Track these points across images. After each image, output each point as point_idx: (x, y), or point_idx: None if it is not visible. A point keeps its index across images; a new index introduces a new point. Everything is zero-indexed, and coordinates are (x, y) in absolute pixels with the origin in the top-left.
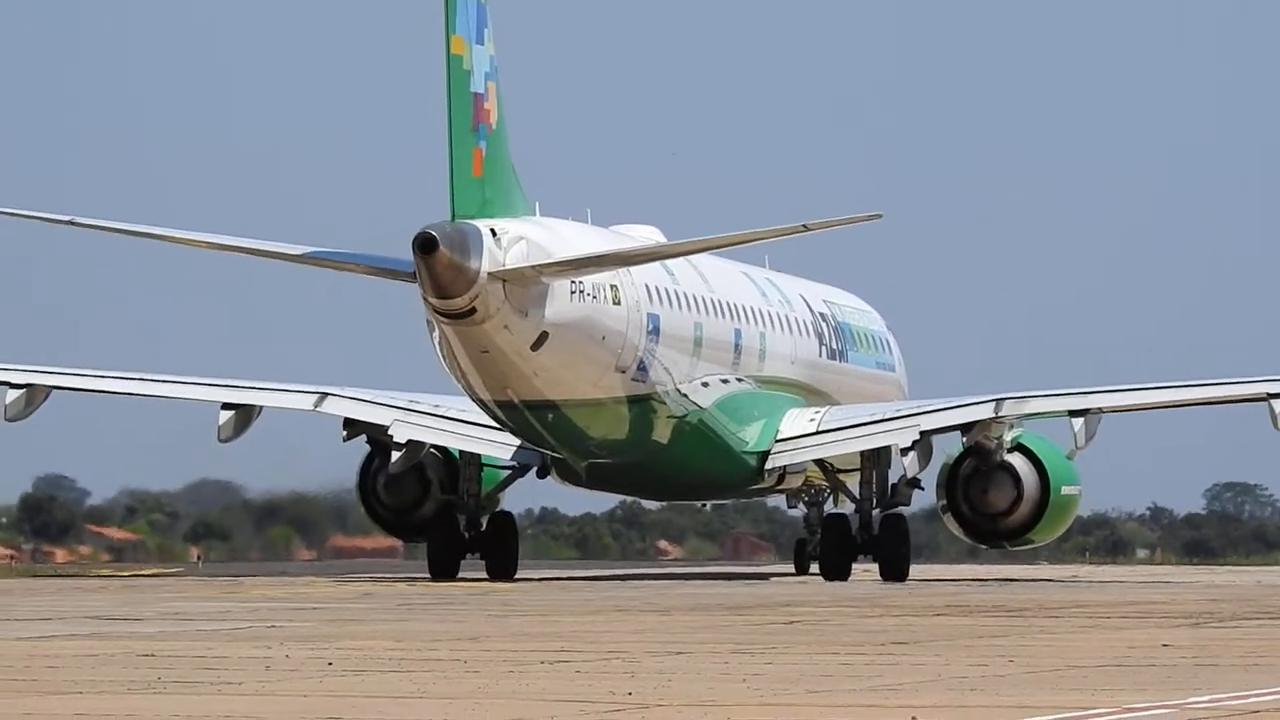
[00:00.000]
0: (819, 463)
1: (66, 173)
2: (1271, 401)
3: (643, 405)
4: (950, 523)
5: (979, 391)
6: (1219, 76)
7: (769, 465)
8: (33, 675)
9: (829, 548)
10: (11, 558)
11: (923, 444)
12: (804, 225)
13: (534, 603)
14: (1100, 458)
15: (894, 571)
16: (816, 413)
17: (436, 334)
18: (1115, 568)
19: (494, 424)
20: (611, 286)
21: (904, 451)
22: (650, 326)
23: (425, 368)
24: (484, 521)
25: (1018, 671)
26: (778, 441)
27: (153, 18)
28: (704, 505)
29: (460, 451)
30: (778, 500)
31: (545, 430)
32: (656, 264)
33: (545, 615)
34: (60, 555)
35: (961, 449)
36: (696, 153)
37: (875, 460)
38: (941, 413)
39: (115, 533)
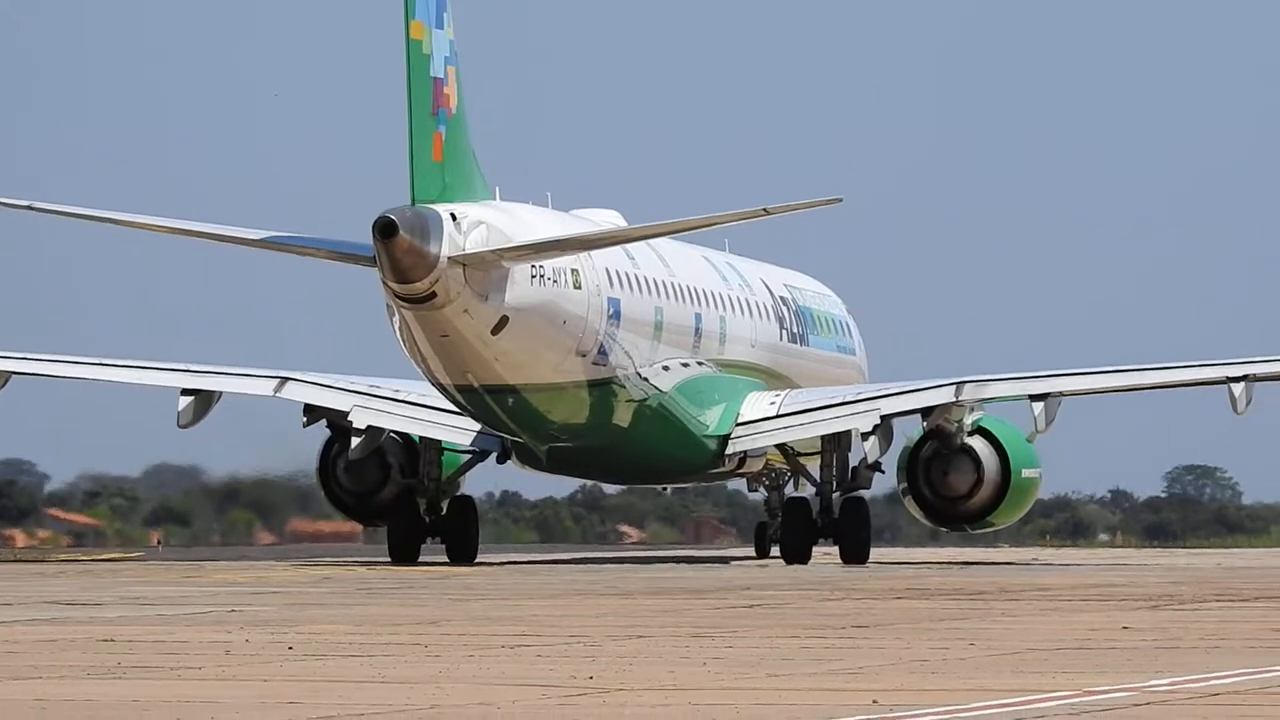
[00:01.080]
0: (780, 446)
1: (24, 158)
2: (1231, 385)
3: (603, 389)
4: (911, 506)
5: (939, 375)
6: (1176, 60)
7: (730, 449)
8: None
9: (790, 531)
10: None
11: (883, 428)
12: (764, 209)
13: (495, 587)
14: (1061, 441)
15: (855, 555)
16: (777, 396)
17: (396, 319)
18: (1076, 551)
19: (454, 408)
20: (572, 271)
21: (865, 435)
22: (611, 311)
23: (386, 352)
24: (444, 505)
25: (978, 654)
26: (738, 425)
27: (109, 2)
28: (665, 489)
29: (420, 436)
30: (739, 484)
31: (505, 415)
32: (617, 248)
33: (506, 599)
34: (20, 540)
35: (922, 432)
36: (657, 137)
37: (836, 444)
38: (902, 396)
39: (75, 517)
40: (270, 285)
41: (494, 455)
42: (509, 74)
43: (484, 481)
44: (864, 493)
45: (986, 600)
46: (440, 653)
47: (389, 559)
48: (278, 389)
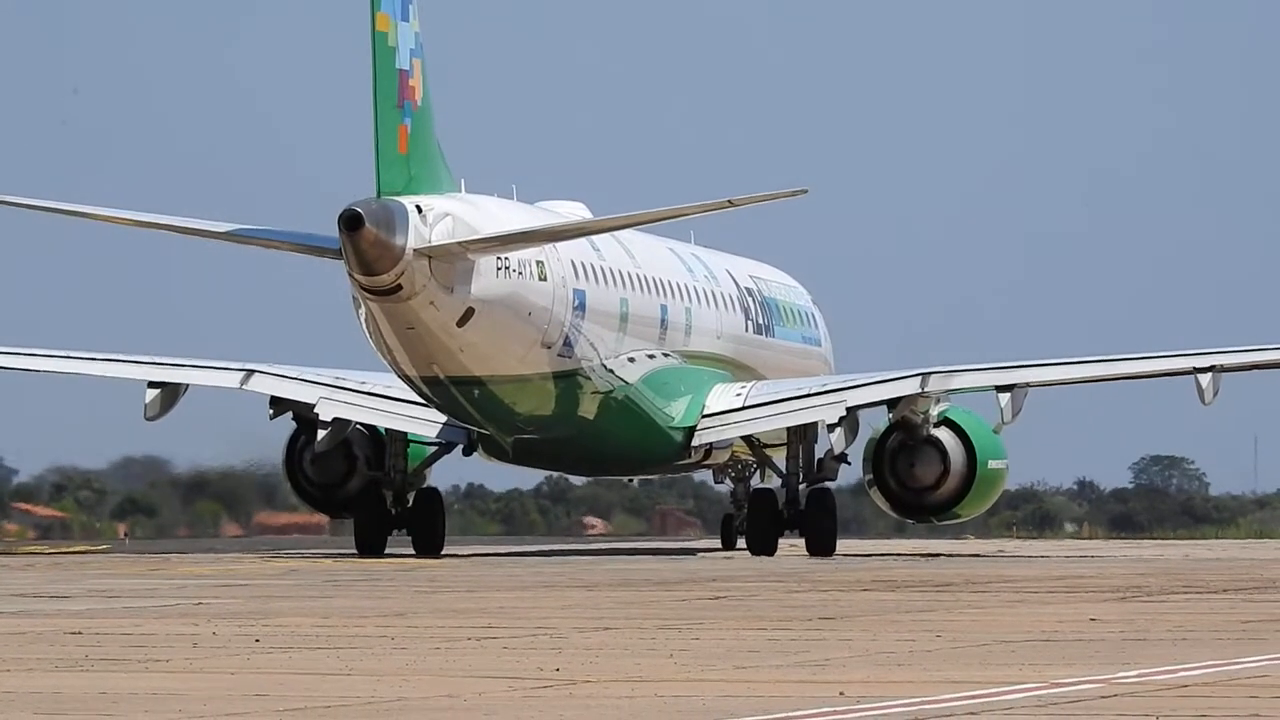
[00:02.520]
0: (745, 438)
1: None
2: (1198, 376)
3: (569, 381)
4: (877, 497)
5: (905, 366)
6: (1140, 47)
7: (695, 441)
8: None
9: (755, 523)
10: None
11: (849, 419)
12: (729, 200)
13: (461, 579)
14: (1027, 432)
15: (820, 546)
16: (743, 388)
17: (363, 311)
18: (1042, 542)
19: (421, 400)
20: (537, 263)
21: (831, 427)
22: (576, 302)
23: (352, 344)
24: (410, 498)
25: (945, 646)
26: (704, 417)
27: None
28: (630, 481)
29: (386, 428)
30: (704, 475)
31: (472, 406)
32: (582, 240)
33: (472, 591)
34: None
35: (888, 423)
36: (622, 129)
37: (802, 435)
38: (868, 388)
39: (42, 510)
40: (236, 278)
41: (460, 447)
42: (474, 66)
43: (450, 474)
44: (830, 484)
45: (953, 592)
46: (407, 645)
47: (355, 551)
48: (244, 381)
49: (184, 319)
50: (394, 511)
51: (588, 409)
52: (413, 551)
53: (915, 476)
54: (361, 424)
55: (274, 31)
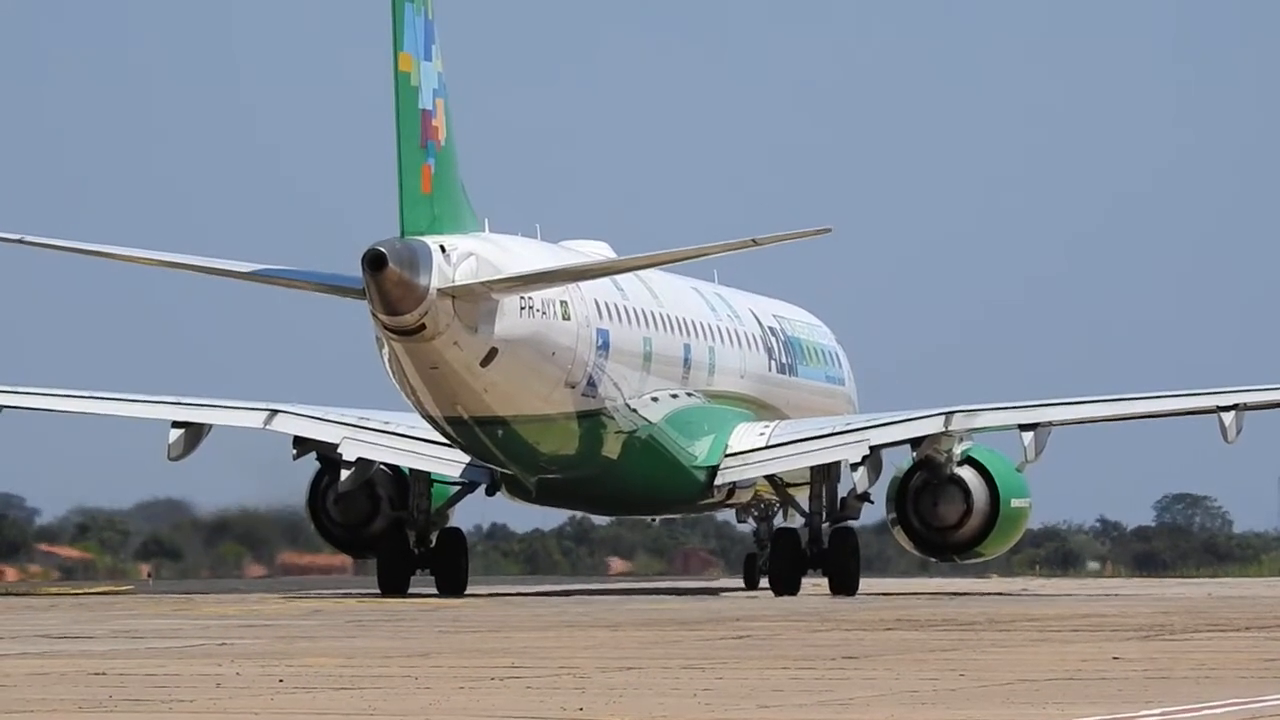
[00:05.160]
0: (769, 477)
1: (12, 191)
2: (1221, 414)
3: (592, 421)
4: (900, 536)
5: (928, 405)
6: (1184, 76)
7: (719, 480)
8: None
9: (778, 562)
10: None
11: (872, 458)
12: (753, 240)
13: (484, 618)
14: (1049, 470)
15: (844, 585)
16: (766, 427)
17: (386, 350)
18: (1065, 581)
19: (444, 440)
20: (561, 302)
21: (854, 466)
22: (600, 342)
23: (376, 384)
24: (434, 538)
25: (969, 685)
26: (727, 456)
27: (105, 33)
28: (653, 520)
29: (410, 468)
30: (727, 515)
31: (495, 446)
32: (606, 279)
33: (496, 631)
34: (10, 574)
35: (911, 462)
36: (645, 168)
37: (825, 474)
38: (891, 426)
39: (66, 551)
40: (259, 318)
41: (483, 487)
42: (498, 106)
43: (473, 514)
44: (853, 523)
45: (976, 631)
46: (430, 685)
47: (378, 591)
48: (267, 421)
49: (207, 359)
50: (417, 551)
51: (611, 448)
52: (436, 591)
53: (938, 515)
54: (385, 464)
55: (297, 72)
